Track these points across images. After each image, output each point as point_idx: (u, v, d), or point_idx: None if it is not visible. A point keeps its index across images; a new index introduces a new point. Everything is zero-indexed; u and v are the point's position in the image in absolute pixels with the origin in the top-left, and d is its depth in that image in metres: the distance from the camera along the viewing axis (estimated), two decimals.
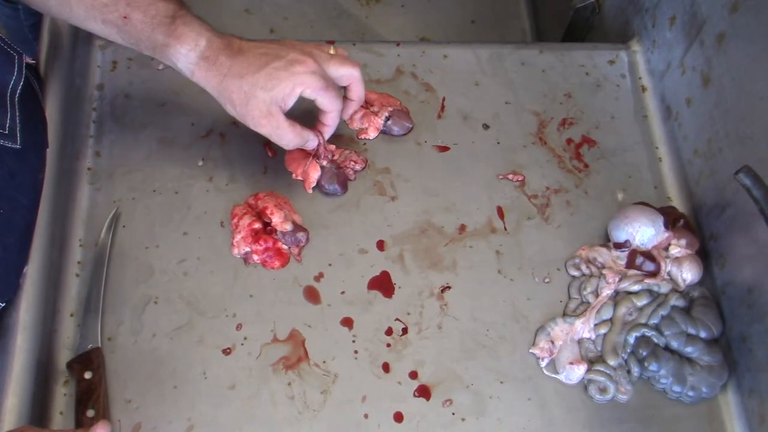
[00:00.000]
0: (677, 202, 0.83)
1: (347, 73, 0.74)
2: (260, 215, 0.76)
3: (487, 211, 0.81)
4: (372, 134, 0.84)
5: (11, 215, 0.67)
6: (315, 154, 0.78)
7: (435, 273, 0.77)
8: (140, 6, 0.67)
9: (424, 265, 0.77)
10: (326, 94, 0.71)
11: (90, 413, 0.65)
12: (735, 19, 0.73)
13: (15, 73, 0.69)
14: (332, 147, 0.81)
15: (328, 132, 0.76)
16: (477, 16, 1.28)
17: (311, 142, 0.75)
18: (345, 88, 0.76)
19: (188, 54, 0.68)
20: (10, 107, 0.68)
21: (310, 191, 0.79)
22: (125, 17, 0.67)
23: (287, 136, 0.72)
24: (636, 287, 0.74)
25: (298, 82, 0.69)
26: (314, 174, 0.79)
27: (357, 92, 0.76)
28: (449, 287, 0.76)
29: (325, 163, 0.79)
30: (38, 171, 0.72)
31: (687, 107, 0.82)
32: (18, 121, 0.68)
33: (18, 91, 0.69)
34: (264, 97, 0.68)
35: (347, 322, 0.74)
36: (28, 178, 0.70)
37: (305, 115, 0.75)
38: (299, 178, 0.80)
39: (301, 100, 0.70)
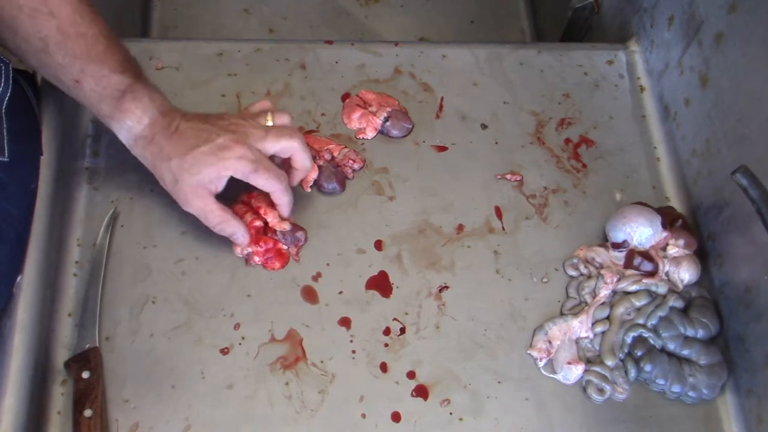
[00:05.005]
0: (675, 202, 0.83)
1: (286, 146, 0.71)
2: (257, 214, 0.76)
3: (485, 211, 0.81)
4: (370, 134, 0.84)
5: (1, 227, 0.66)
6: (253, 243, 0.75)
7: (433, 273, 0.77)
8: (93, 75, 0.67)
9: (422, 265, 0.77)
10: (258, 176, 0.69)
11: (87, 413, 0.65)
12: (733, 20, 0.73)
13: (1, 85, 0.68)
14: (332, 145, 0.81)
15: (283, 210, 0.74)
16: (476, 16, 1.28)
17: (238, 236, 0.72)
18: (290, 158, 0.73)
19: (130, 129, 0.69)
20: None
21: (308, 190, 0.79)
22: (77, 81, 0.67)
23: (214, 218, 0.70)
24: (634, 287, 0.74)
25: (223, 167, 0.68)
26: (312, 174, 0.79)
27: (300, 162, 0.73)
28: (447, 287, 0.76)
29: (321, 162, 0.80)
30: (30, 182, 0.71)
31: (685, 107, 0.82)
32: (6, 133, 0.68)
33: (5, 103, 0.68)
34: (190, 180, 0.68)
35: (345, 322, 0.74)
36: (19, 188, 0.69)
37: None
38: None
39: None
